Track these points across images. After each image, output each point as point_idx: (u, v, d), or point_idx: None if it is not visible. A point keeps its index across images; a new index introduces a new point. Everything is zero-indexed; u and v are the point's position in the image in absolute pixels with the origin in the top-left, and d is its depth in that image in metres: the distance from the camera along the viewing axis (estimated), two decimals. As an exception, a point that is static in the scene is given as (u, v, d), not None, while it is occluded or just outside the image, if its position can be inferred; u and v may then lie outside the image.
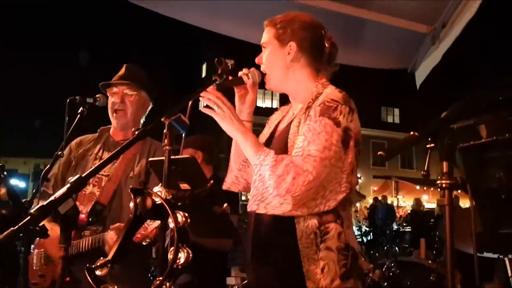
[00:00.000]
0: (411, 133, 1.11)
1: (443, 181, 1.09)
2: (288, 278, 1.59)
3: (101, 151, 2.43)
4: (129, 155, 2.35)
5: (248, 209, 1.58)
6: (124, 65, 2.53)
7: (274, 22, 1.78)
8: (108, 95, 2.45)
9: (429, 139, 1.12)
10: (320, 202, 1.51)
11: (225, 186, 1.96)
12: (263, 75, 1.79)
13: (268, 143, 1.82)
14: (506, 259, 2.38)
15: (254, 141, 1.63)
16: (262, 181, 1.52)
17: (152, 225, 1.83)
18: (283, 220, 1.57)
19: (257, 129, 1.99)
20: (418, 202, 13.83)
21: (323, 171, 1.49)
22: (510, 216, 1.12)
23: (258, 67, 1.82)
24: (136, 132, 1.38)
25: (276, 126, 1.88)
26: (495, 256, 2.60)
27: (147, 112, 2.53)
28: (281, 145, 1.68)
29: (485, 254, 2.41)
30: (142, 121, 2.49)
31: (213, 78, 1.65)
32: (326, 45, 1.77)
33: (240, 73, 1.78)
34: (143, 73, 2.54)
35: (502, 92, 1.12)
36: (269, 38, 1.78)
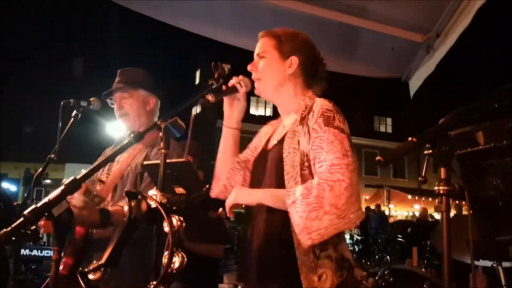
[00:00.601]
0: (409, 139, 1.10)
1: (441, 188, 1.08)
2: (283, 285, 1.60)
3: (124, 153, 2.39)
4: (135, 152, 2.33)
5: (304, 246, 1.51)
6: (118, 71, 2.52)
7: (274, 34, 1.81)
8: (110, 105, 2.45)
9: (427, 145, 1.12)
10: (359, 208, 1.49)
11: (212, 195, 1.92)
12: (253, 82, 1.81)
13: (261, 158, 1.82)
14: (499, 267, 2.38)
15: (274, 193, 1.63)
16: (302, 215, 1.46)
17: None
18: (281, 228, 1.59)
19: (251, 136, 1.99)
20: (424, 212, 13.91)
21: (353, 176, 1.48)
22: (507, 224, 1.12)
23: (246, 74, 1.84)
24: (132, 135, 1.37)
25: (268, 140, 1.88)
26: (489, 264, 2.62)
27: (154, 105, 2.48)
28: (276, 159, 1.70)
29: (479, 262, 2.42)
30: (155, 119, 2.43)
31: (210, 83, 1.65)
32: (321, 65, 1.84)
33: (232, 82, 1.79)
34: (138, 72, 2.51)
35: (499, 100, 1.13)
36: (268, 48, 1.80)
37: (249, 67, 1.82)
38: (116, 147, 2.50)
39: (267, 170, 1.73)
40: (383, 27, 3.51)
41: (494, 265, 2.53)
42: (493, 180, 1.12)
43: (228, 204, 1.63)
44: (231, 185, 1.87)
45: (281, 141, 1.73)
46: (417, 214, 29.09)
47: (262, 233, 1.67)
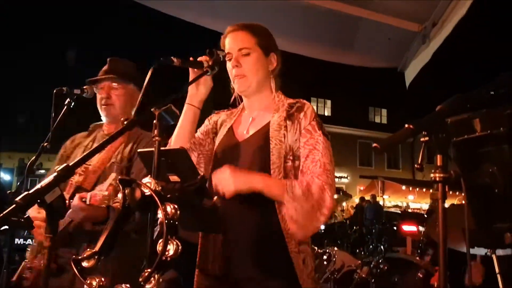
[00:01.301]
0: (406, 125, 1.10)
1: (437, 175, 1.08)
2: (278, 271, 1.65)
3: (90, 143, 2.42)
4: (116, 144, 2.33)
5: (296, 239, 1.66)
6: (108, 59, 2.51)
7: (253, 29, 1.84)
8: (95, 91, 2.43)
9: (424, 132, 1.11)
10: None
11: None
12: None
13: (231, 149, 1.82)
14: (494, 256, 2.39)
15: (268, 180, 1.64)
16: (301, 213, 1.57)
17: (105, 183, 1.93)
18: (267, 213, 1.66)
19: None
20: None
21: (334, 181, 1.68)
22: (502, 211, 1.12)
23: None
24: (125, 122, 1.35)
25: (232, 130, 1.89)
26: (482, 253, 2.64)
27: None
28: (258, 149, 1.73)
29: (473, 250, 2.44)
30: (132, 113, 2.46)
31: (205, 70, 1.64)
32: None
33: (200, 58, 1.73)
34: (129, 65, 2.52)
35: (497, 88, 1.12)
36: (251, 45, 1.82)
37: (233, 63, 1.81)
38: (92, 134, 2.49)
39: (246, 159, 1.74)
40: (379, 17, 3.50)
41: (488, 253, 2.55)
42: (489, 168, 1.12)
43: (228, 193, 1.58)
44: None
45: (261, 133, 1.77)
46: (411, 204, 29.33)
47: (247, 218, 1.70)
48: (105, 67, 2.48)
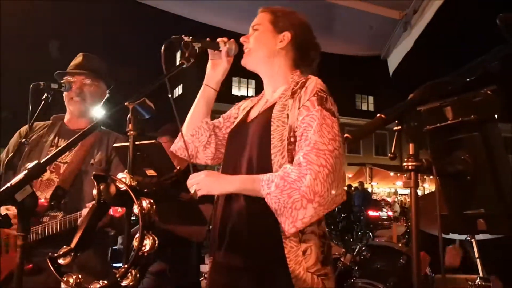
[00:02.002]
0: (378, 115, 1.10)
1: (409, 163, 1.08)
2: (267, 260, 1.58)
3: (56, 138, 2.37)
4: (88, 143, 2.31)
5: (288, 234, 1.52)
6: (81, 54, 2.48)
7: (272, 10, 1.85)
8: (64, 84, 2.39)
9: (396, 121, 1.11)
10: (339, 193, 1.52)
11: (172, 149, 1.96)
12: (240, 50, 1.85)
13: (239, 129, 1.82)
14: (473, 240, 2.43)
15: (244, 180, 1.61)
16: (284, 205, 1.47)
17: None
18: (263, 203, 1.55)
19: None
20: None
21: (336, 163, 1.51)
22: (474, 197, 1.13)
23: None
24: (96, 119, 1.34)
25: (248, 113, 1.88)
26: (462, 238, 2.68)
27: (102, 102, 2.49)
28: (260, 131, 1.67)
29: (453, 235, 2.47)
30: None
31: (180, 62, 1.62)
32: (313, 50, 1.85)
33: (218, 39, 1.84)
34: (101, 63, 2.51)
35: (469, 74, 1.12)
36: (263, 21, 1.83)
37: (241, 39, 1.84)
38: (53, 128, 2.43)
39: (248, 142, 1.71)
40: (360, 4, 3.50)
41: (467, 238, 2.59)
42: (461, 155, 1.12)
43: (200, 193, 1.58)
44: (193, 143, 1.91)
45: (264, 113, 1.72)
46: (399, 190, 29.60)
47: (242, 207, 1.63)
48: (77, 61, 2.45)
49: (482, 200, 1.12)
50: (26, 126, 2.42)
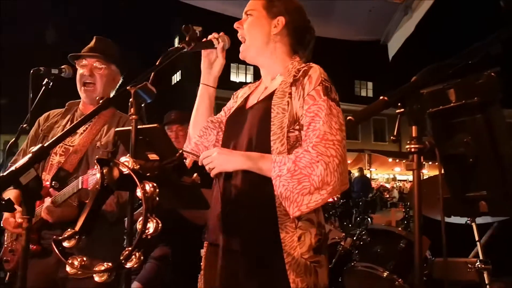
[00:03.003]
0: (381, 97, 1.10)
1: (412, 146, 1.09)
2: (263, 244, 1.58)
3: (68, 123, 2.37)
4: (97, 126, 2.31)
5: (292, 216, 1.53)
6: (95, 37, 2.47)
7: None
8: (77, 67, 2.38)
9: (399, 104, 1.11)
10: (346, 182, 1.54)
11: (185, 154, 1.94)
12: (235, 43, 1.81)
13: (237, 116, 1.81)
14: (473, 224, 2.45)
15: (257, 158, 1.59)
16: (292, 190, 1.49)
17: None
18: (261, 188, 1.58)
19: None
20: None
21: (344, 152, 1.54)
22: (476, 180, 1.13)
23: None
24: (101, 101, 1.33)
25: (246, 100, 1.87)
26: (463, 222, 2.69)
27: (117, 86, 2.47)
28: (259, 118, 1.67)
29: (454, 219, 2.49)
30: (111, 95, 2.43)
31: (181, 46, 1.61)
32: (309, 34, 1.84)
33: (210, 37, 1.81)
34: (114, 46, 2.50)
35: (471, 57, 1.12)
36: (256, 6, 1.80)
37: (235, 25, 1.81)
38: (68, 113, 2.44)
39: (246, 128, 1.70)
40: (360, -12, 3.47)
41: (468, 222, 2.61)
42: (463, 137, 1.13)
43: (213, 172, 1.62)
44: (203, 144, 1.88)
45: (264, 100, 1.71)
46: (398, 176, 29.68)
47: (240, 191, 1.64)
48: (90, 44, 2.44)
49: (484, 182, 1.13)
50: (45, 114, 2.45)
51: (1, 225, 2.16)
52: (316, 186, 1.48)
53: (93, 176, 1.92)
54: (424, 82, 1.11)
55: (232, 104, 1.96)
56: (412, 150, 1.09)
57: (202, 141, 1.88)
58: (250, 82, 2.03)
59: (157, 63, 1.49)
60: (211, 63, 1.89)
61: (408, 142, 1.10)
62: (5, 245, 2.24)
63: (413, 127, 1.10)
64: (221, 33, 1.84)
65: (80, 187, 1.98)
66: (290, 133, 1.59)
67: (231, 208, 1.65)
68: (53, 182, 2.09)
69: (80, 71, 2.37)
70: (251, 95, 1.88)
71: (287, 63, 1.77)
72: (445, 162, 1.19)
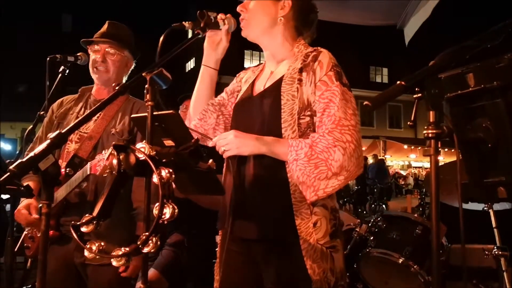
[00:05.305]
0: (398, 82, 1.08)
1: (429, 131, 1.07)
2: (279, 230, 1.58)
3: (82, 109, 2.38)
4: (111, 113, 2.31)
5: (309, 201, 1.54)
6: (107, 22, 2.45)
7: None
8: (89, 52, 2.38)
9: (416, 88, 1.10)
10: (361, 166, 1.54)
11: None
12: (238, 23, 1.77)
13: (246, 104, 1.78)
14: (491, 210, 2.42)
15: (273, 142, 1.57)
16: (308, 174, 1.50)
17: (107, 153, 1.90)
18: (275, 174, 1.58)
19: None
20: None
21: (359, 136, 1.54)
22: (495, 165, 1.12)
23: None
24: (117, 88, 1.34)
25: (252, 86, 1.84)
26: (480, 208, 2.66)
27: (130, 72, 2.47)
28: (269, 105, 1.65)
29: (470, 206, 2.46)
30: (124, 80, 2.43)
31: (196, 32, 1.61)
32: (313, 13, 1.80)
33: (218, 17, 1.76)
34: (127, 31, 2.47)
35: (490, 40, 1.10)
36: None
37: (238, 8, 1.77)
38: (82, 99, 2.44)
39: (256, 116, 1.69)
40: (376, -28, 3.41)
41: (485, 208, 2.58)
42: (483, 122, 1.11)
43: (227, 154, 1.59)
44: (202, 127, 1.86)
45: (273, 87, 1.69)
46: (413, 163, 29.44)
47: (254, 178, 1.63)
48: (103, 29, 2.42)
49: (503, 168, 1.12)
50: (59, 101, 2.46)
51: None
52: (334, 171, 1.48)
53: (101, 162, 1.94)
54: (443, 66, 1.10)
55: (236, 88, 1.93)
56: (430, 135, 1.08)
57: (201, 124, 1.85)
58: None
59: (175, 49, 1.48)
60: (215, 45, 1.83)
61: (426, 127, 1.09)
62: (25, 232, 2.28)
63: (431, 112, 1.09)
64: (228, 15, 1.79)
65: (88, 172, 2.00)
66: (301, 119, 1.58)
67: (245, 195, 1.64)
68: (67, 169, 2.10)
69: (92, 56, 2.36)
70: (257, 80, 1.84)
71: (293, 46, 1.75)
72: (463, 147, 1.17)
